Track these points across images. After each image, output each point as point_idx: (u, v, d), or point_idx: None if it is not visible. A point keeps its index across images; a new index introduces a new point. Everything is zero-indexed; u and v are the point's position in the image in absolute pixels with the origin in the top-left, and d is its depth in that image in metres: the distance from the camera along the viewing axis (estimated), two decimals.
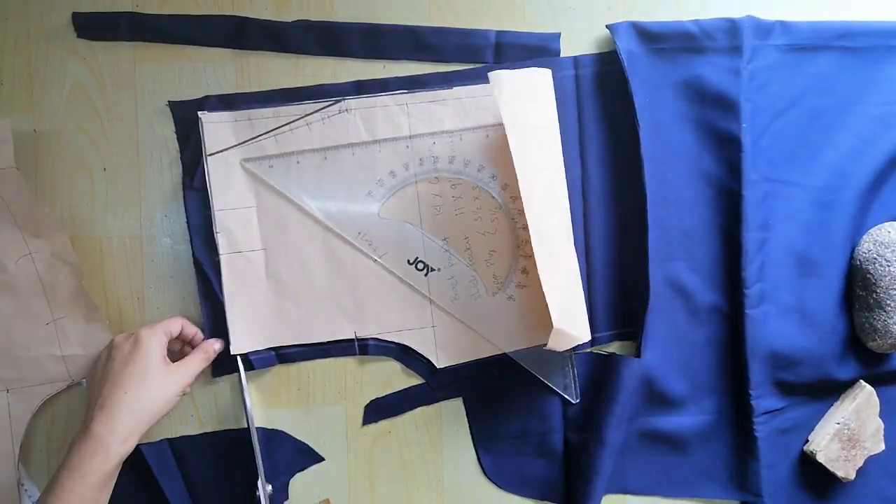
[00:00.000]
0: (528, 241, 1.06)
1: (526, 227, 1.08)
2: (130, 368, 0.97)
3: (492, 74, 0.97)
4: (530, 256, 1.09)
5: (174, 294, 1.09)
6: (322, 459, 1.11)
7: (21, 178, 1.04)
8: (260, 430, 1.09)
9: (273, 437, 1.10)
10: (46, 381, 1.05)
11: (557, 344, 0.97)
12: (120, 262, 1.08)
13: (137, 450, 1.05)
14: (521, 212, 1.08)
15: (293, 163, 1.07)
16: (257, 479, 1.05)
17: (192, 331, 1.07)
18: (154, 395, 0.96)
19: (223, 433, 1.10)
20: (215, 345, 1.06)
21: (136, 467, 1.06)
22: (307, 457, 1.12)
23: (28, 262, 1.04)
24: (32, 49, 1.07)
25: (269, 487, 1.06)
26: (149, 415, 0.96)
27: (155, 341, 0.99)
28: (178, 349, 1.07)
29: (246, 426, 1.06)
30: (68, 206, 1.08)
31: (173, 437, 1.10)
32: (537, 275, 1.05)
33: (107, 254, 1.09)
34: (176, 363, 1.01)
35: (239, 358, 1.07)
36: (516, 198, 1.08)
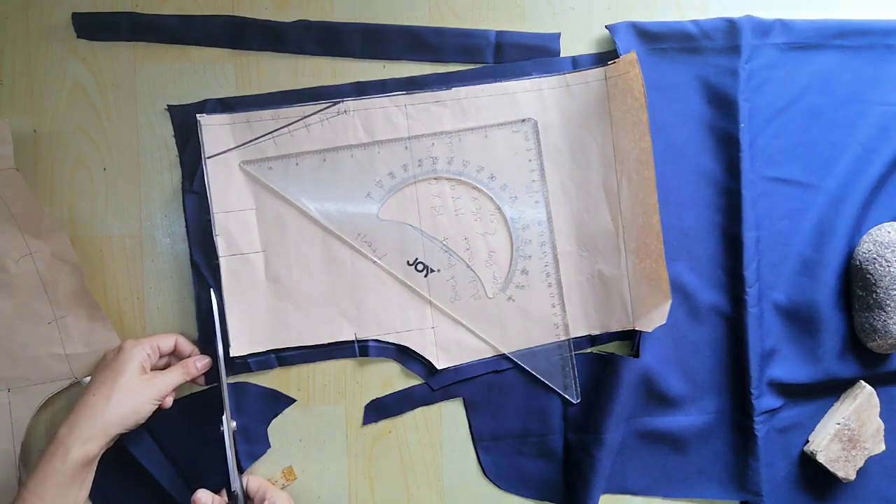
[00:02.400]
0: (528, 242, 1.07)
1: (525, 228, 1.09)
2: (105, 374, 0.99)
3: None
4: (530, 257, 1.09)
5: (174, 294, 1.09)
6: (294, 401, 1.11)
7: (21, 179, 1.04)
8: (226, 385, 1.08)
9: (241, 390, 1.10)
10: (48, 379, 1.05)
11: (657, 321, 1.04)
12: (120, 262, 1.08)
13: None
14: (522, 212, 1.09)
15: (292, 164, 1.07)
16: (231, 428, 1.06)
17: (188, 349, 1.07)
18: (122, 401, 0.97)
19: (189, 397, 1.09)
20: (198, 363, 1.06)
21: (115, 449, 1.05)
22: (278, 401, 1.11)
23: (29, 262, 1.04)
24: (32, 49, 1.07)
25: (234, 423, 1.06)
26: (114, 419, 0.96)
27: (136, 351, 1.00)
28: (165, 365, 1.08)
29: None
30: (68, 206, 1.08)
31: None
32: (538, 275, 1.08)
33: (107, 254, 1.08)
34: (153, 374, 1.01)
35: (214, 295, 1.07)
36: (517, 198, 1.09)
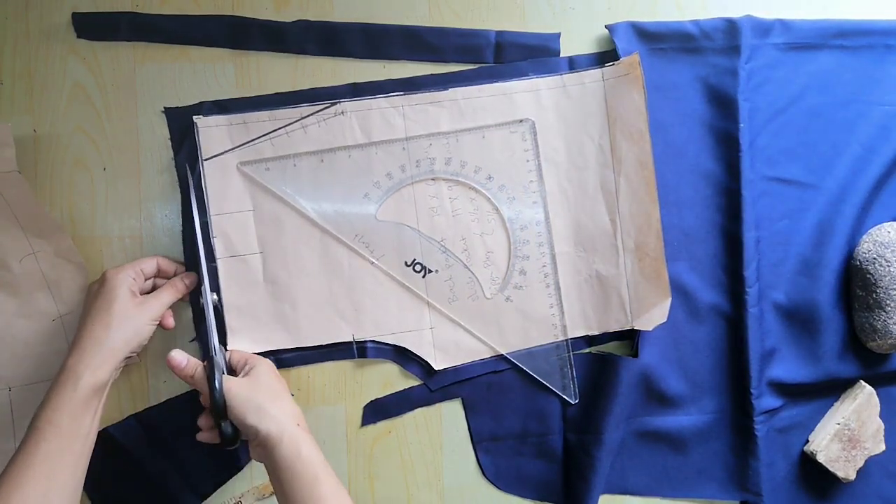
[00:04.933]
0: (526, 242, 1.07)
1: (524, 228, 1.09)
2: (98, 303, 0.98)
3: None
4: (528, 257, 1.09)
5: None
6: (290, 395, 1.10)
7: (24, 181, 1.04)
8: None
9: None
10: (50, 378, 1.04)
11: (658, 319, 1.05)
12: (120, 262, 1.08)
13: (107, 432, 1.06)
14: (520, 212, 1.09)
15: (290, 165, 1.07)
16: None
17: (172, 268, 1.07)
18: (121, 325, 0.97)
19: (186, 395, 1.09)
20: (186, 279, 1.06)
21: (113, 450, 1.06)
22: None
23: (32, 261, 1.04)
24: (32, 49, 1.07)
25: (215, 296, 1.06)
26: (118, 344, 0.96)
27: (120, 277, 0.99)
28: (151, 288, 1.07)
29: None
30: (68, 206, 1.08)
31: (139, 411, 1.09)
32: (536, 276, 1.08)
33: (107, 254, 1.08)
34: (145, 296, 1.02)
35: (189, 167, 1.08)
36: (513, 198, 1.09)
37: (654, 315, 1.07)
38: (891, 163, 1.12)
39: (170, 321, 1.04)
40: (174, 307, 1.05)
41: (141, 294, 1.02)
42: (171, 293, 1.03)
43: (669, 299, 1.05)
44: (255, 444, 0.96)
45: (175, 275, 1.07)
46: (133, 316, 0.98)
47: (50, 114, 1.07)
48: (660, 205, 1.06)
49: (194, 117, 1.06)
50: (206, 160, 1.06)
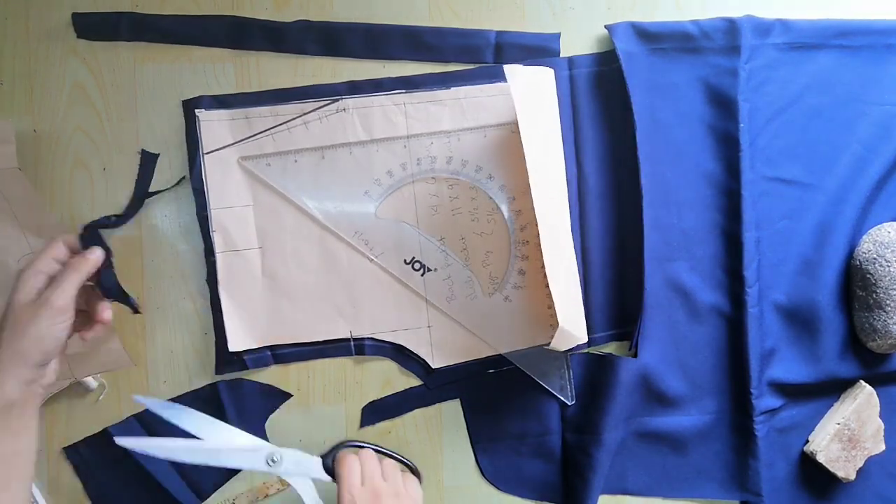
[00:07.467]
0: (525, 242, 1.07)
1: (523, 228, 1.09)
2: (7, 311, 0.86)
3: (507, 67, 0.98)
4: (527, 257, 1.09)
5: (174, 294, 1.09)
6: (290, 395, 1.11)
7: (24, 178, 1.05)
8: (221, 383, 1.09)
9: (237, 386, 1.09)
10: None
11: (561, 343, 0.98)
12: (120, 261, 1.06)
13: (106, 433, 1.06)
14: (520, 212, 1.09)
15: (291, 161, 1.07)
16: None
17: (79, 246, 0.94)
18: (16, 334, 0.84)
19: (187, 395, 1.09)
20: (90, 255, 0.91)
21: (113, 451, 1.05)
22: (275, 397, 1.11)
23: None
24: (32, 49, 1.08)
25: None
26: (34, 351, 0.84)
27: (22, 279, 0.86)
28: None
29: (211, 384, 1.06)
30: (68, 206, 1.08)
31: (138, 411, 1.09)
32: (535, 276, 1.07)
33: None
34: (45, 291, 0.86)
35: None
36: (514, 198, 1.09)
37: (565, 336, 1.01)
38: (891, 163, 1.11)
39: (106, 314, 0.93)
40: (179, 312, 1.05)
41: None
42: (71, 277, 0.88)
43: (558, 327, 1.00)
44: None
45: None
46: (28, 321, 0.84)
47: (50, 114, 1.08)
48: (660, 205, 1.07)
49: (196, 111, 1.06)
50: (206, 154, 1.06)
